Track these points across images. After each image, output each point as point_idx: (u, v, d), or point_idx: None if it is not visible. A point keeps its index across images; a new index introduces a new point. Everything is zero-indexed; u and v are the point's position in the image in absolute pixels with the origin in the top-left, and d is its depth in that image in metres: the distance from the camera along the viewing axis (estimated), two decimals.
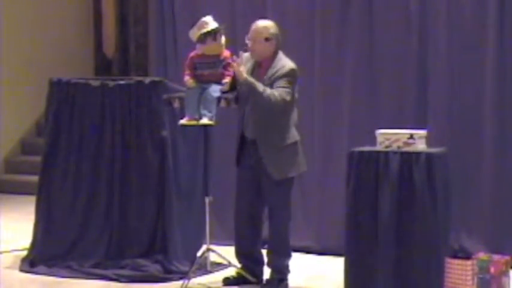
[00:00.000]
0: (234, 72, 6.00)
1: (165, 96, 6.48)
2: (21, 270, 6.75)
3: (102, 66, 12.28)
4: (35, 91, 10.41)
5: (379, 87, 7.12)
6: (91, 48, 12.40)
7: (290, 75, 5.94)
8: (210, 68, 6.21)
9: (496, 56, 6.72)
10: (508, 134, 6.74)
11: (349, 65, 7.20)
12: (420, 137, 5.71)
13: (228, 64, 6.13)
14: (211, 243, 6.37)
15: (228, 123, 6.82)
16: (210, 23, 6.18)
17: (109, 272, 6.51)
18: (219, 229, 7.25)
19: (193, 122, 6.15)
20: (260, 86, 5.86)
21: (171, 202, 6.59)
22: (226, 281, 6.26)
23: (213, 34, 6.17)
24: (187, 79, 6.24)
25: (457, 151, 6.67)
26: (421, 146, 5.70)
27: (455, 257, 5.65)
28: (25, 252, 6.96)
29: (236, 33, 7.19)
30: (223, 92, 6.15)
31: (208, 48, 6.21)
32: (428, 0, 6.95)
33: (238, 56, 5.96)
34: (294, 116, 6.05)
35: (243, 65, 5.94)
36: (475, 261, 5.59)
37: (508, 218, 6.74)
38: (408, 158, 5.58)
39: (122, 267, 6.55)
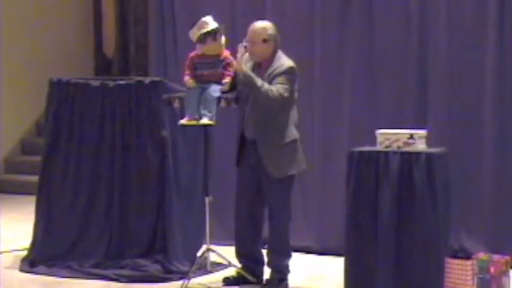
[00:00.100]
0: (234, 71, 6.01)
1: (165, 96, 6.48)
2: (21, 270, 6.75)
3: (102, 66, 12.28)
4: (35, 91, 10.42)
5: (379, 87, 7.12)
6: (91, 48, 12.40)
7: (288, 72, 5.95)
8: (210, 68, 6.21)
9: (496, 56, 6.72)
10: (508, 134, 6.74)
11: (349, 65, 7.20)
12: (420, 137, 5.72)
13: (228, 64, 6.13)
14: (211, 243, 6.37)
15: (228, 123, 6.83)
16: (210, 23, 6.18)
17: (109, 272, 6.51)
18: (219, 229, 7.25)
19: (193, 122, 6.15)
20: (259, 81, 5.87)
21: (171, 202, 6.59)
22: (227, 280, 6.26)
23: (213, 34, 6.17)
24: (187, 79, 6.24)
25: (457, 151, 6.67)
26: (421, 146, 5.70)
27: (455, 257, 5.65)
28: (25, 252, 6.96)
29: (236, 33, 7.18)
30: (223, 92, 6.15)
31: (208, 48, 6.21)
32: (428, 0, 6.95)
33: (237, 50, 5.95)
34: (294, 114, 6.05)
35: (242, 64, 5.95)
36: (475, 261, 5.59)
37: (508, 218, 6.75)
38: (408, 158, 5.58)
39: (122, 267, 6.55)
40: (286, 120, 5.99)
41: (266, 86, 5.87)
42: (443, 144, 6.21)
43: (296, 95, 6.05)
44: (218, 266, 6.56)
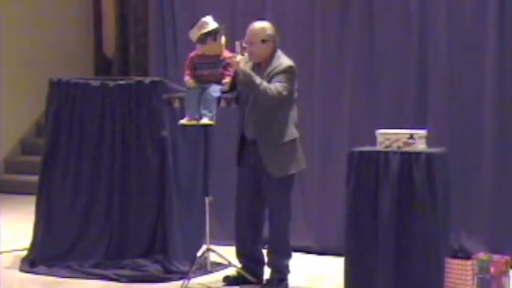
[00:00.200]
0: (234, 71, 6.01)
1: (165, 96, 6.48)
2: (21, 270, 6.75)
3: (102, 66, 12.28)
4: (35, 91, 10.41)
5: (379, 87, 7.12)
6: (91, 48, 12.40)
7: (287, 71, 5.95)
8: (210, 68, 6.21)
9: (496, 56, 6.72)
10: (508, 134, 6.74)
11: (349, 65, 7.20)
12: (420, 137, 5.71)
13: (228, 64, 6.13)
14: (211, 243, 6.37)
15: (228, 123, 6.83)
16: (210, 23, 6.18)
17: (109, 272, 6.51)
18: (219, 229, 7.25)
19: (194, 122, 6.15)
20: (257, 79, 5.87)
21: (171, 202, 6.59)
22: (227, 279, 6.26)
23: (213, 34, 6.17)
24: (187, 79, 6.24)
25: (457, 151, 6.67)
26: (421, 146, 5.70)
27: (455, 257, 5.65)
28: (25, 252, 6.96)
29: (236, 33, 7.17)
30: (223, 92, 6.15)
31: (208, 49, 6.21)
32: (428, 0, 6.95)
33: (235, 47, 5.95)
34: (294, 114, 6.05)
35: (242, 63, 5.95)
36: (475, 261, 5.59)
37: (508, 218, 6.75)
38: (408, 158, 5.58)
39: (122, 267, 6.55)
40: (286, 119, 5.99)
41: (265, 84, 5.87)
42: (443, 144, 6.21)
43: (296, 94, 6.05)
44: (218, 266, 6.56)
